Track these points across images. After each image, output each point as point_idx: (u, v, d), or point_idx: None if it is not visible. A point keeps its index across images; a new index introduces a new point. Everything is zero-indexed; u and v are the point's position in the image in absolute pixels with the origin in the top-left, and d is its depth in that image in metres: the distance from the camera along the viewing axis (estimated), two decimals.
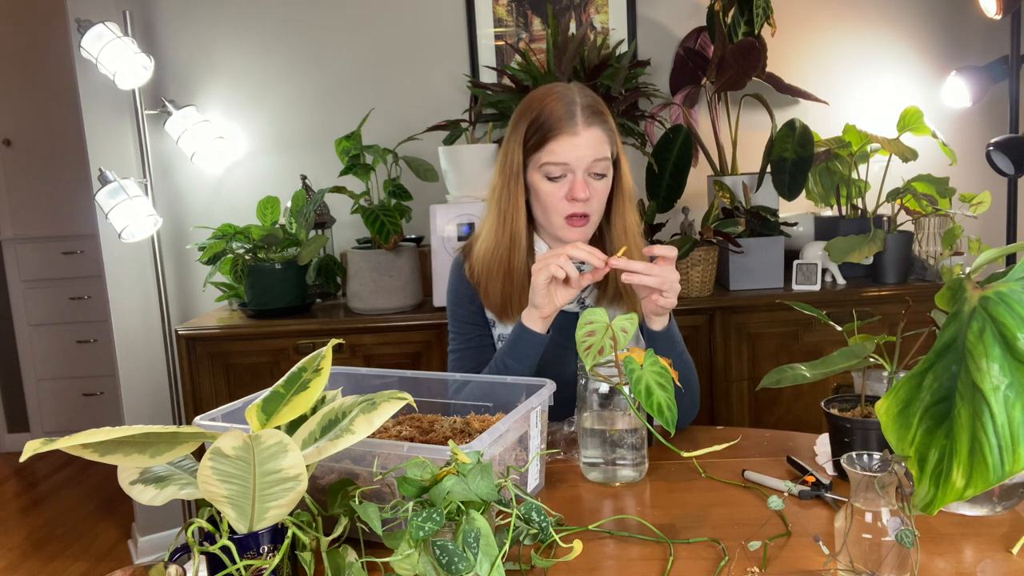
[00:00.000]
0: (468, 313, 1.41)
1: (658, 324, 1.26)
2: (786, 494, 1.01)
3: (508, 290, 1.34)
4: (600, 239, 1.38)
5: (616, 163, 1.33)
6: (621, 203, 1.34)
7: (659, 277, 1.16)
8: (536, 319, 1.23)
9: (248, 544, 0.76)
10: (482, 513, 0.76)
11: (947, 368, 0.70)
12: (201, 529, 0.78)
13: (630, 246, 1.30)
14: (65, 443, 0.68)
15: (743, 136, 2.47)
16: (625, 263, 1.15)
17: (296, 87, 2.65)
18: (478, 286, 1.38)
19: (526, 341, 1.24)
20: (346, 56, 2.63)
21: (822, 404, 1.05)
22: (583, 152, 1.25)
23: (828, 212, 2.46)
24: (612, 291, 1.36)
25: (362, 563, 0.80)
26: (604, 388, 1.06)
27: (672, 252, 1.18)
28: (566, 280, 1.20)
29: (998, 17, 2.29)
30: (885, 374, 1.04)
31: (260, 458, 0.71)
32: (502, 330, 1.39)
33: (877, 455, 0.78)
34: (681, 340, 1.32)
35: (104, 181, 2.32)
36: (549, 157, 1.25)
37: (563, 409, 1.20)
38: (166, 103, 2.49)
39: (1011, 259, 2.20)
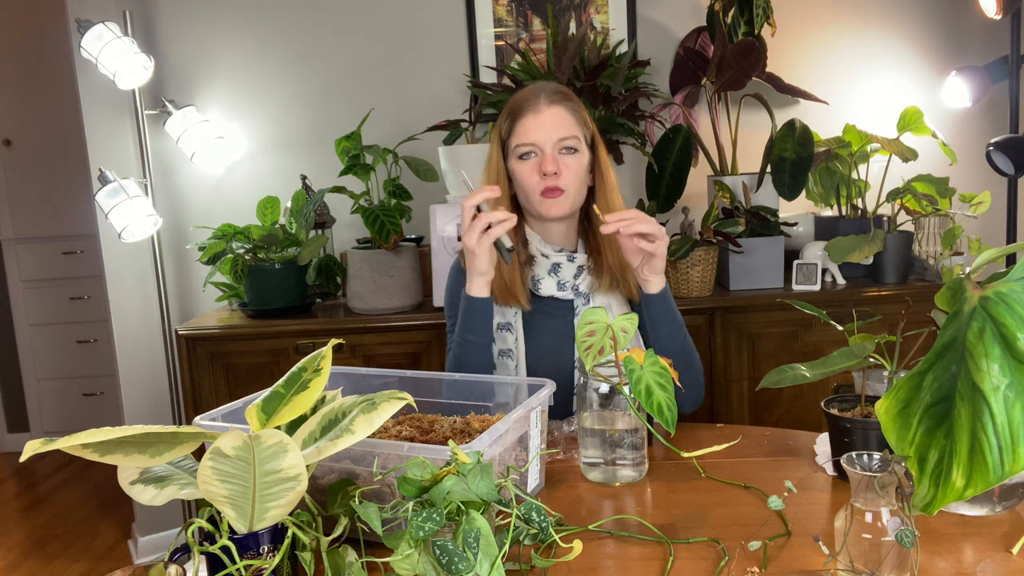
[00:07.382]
0: None
1: (655, 285, 1.30)
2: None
3: (510, 274, 1.38)
4: (586, 227, 1.43)
5: (593, 149, 1.38)
6: (604, 190, 1.39)
7: (649, 222, 1.21)
8: (483, 285, 1.30)
9: (248, 544, 0.76)
10: (482, 513, 0.76)
11: (947, 368, 0.70)
12: (201, 529, 0.78)
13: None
14: (65, 443, 0.68)
15: (743, 136, 2.47)
16: (616, 215, 1.21)
17: (296, 87, 2.65)
18: None
19: (477, 309, 1.32)
20: (346, 56, 2.63)
21: (822, 404, 1.05)
22: (548, 130, 1.32)
23: (828, 212, 2.46)
24: (609, 279, 1.40)
25: (362, 563, 0.80)
26: (604, 388, 1.06)
27: (633, 212, 1.22)
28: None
29: (998, 17, 2.29)
30: (885, 374, 1.04)
31: (260, 458, 0.71)
32: (500, 318, 1.42)
33: (877, 455, 0.78)
34: (678, 312, 1.35)
35: (104, 181, 2.32)
36: (518, 139, 1.34)
37: (561, 404, 1.21)
38: (166, 103, 2.49)
39: (1011, 259, 2.20)
